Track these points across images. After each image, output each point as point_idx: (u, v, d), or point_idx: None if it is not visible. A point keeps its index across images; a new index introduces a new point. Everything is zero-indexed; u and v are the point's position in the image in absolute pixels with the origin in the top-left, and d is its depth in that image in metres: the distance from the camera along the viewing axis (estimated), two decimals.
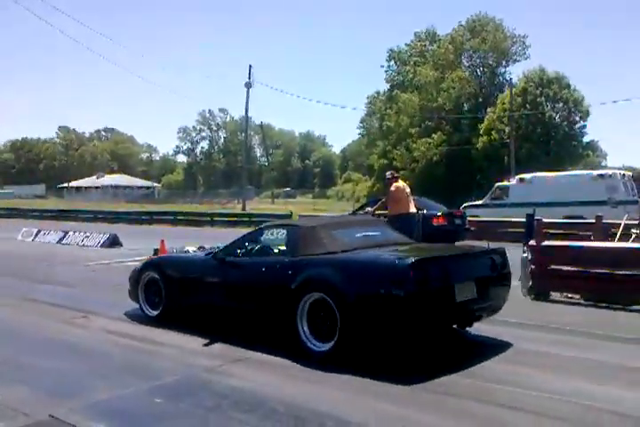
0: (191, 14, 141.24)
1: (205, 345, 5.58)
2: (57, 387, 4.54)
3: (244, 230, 19.77)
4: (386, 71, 53.90)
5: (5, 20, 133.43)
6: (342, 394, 4.29)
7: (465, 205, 20.97)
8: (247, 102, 40.69)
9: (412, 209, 10.66)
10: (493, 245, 6.46)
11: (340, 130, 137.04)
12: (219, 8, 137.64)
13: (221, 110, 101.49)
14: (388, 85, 53.82)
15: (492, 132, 39.83)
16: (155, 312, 6.71)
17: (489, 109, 41.97)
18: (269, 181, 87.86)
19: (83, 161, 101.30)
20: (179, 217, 28.06)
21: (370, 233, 6.34)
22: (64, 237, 17.23)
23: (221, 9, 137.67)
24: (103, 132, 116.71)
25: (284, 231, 6.13)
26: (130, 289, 7.06)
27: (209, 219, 27.25)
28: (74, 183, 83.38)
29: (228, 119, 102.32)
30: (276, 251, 5.97)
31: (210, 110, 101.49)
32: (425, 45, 49.87)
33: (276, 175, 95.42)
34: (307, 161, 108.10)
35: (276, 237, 6.13)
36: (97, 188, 77.48)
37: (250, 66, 39.90)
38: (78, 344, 5.77)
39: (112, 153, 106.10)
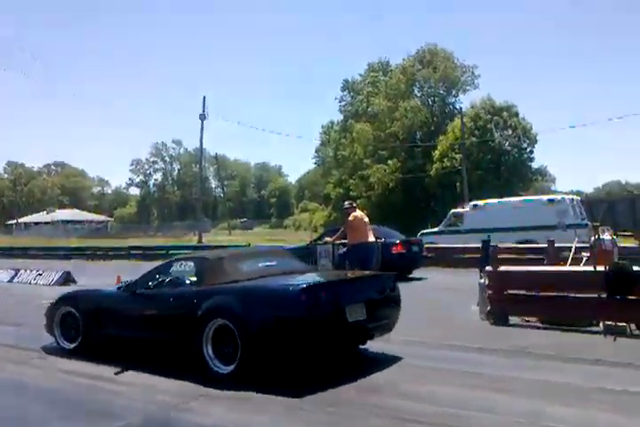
0: (143, 41, 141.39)
1: (163, 383, 5.49)
2: None
3: None
4: (340, 102, 55.09)
5: None
6: None
7: (422, 232, 21.28)
8: (202, 134, 40.55)
9: (371, 238, 10.81)
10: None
11: (295, 160, 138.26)
12: (171, 36, 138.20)
13: (175, 142, 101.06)
14: (342, 115, 54.91)
15: (445, 160, 40.80)
16: (72, 345, 6.94)
17: (441, 137, 43.07)
18: (225, 213, 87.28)
19: (32, 196, 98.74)
20: (133, 251, 27.50)
21: (272, 263, 6.78)
22: (15, 275, 16.70)
23: (173, 37, 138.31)
24: (53, 167, 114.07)
25: (192, 263, 6.55)
26: (46, 324, 7.24)
27: (164, 252, 26.68)
28: (23, 219, 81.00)
29: (181, 151, 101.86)
30: (184, 282, 6.31)
31: (163, 142, 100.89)
32: (377, 76, 51.13)
33: (232, 206, 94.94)
34: (262, 191, 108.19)
35: (184, 269, 6.52)
36: (47, 223, 75.29)
37: (204, 97, 39.97)
38: (38, 385, 5.65)
39: (63, 187, 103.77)
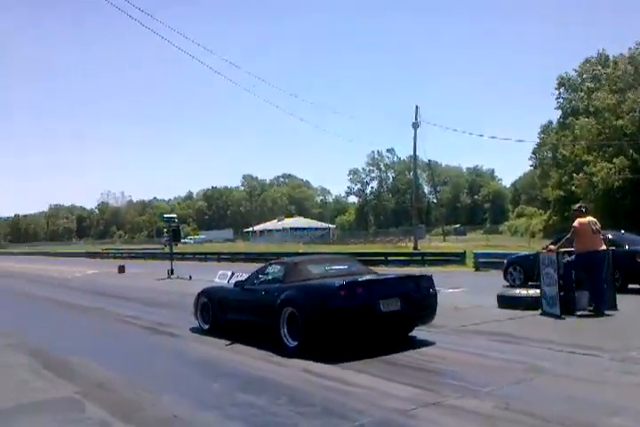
0: (355, 57, 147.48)
1: (395, 388, 5.72)
2: (266, 424, 4.89)
3: (417, 270, 19.91)
4: (556, 99, 51.96)
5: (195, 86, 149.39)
6: None
7: None
8: (415, 143, 41.13)
9: (602, 246, 10.04)
10: None
11: (509, 163, 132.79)
12: (381, 49, 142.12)
13: (389, 151, 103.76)
14: (559, 113, 51.81)
15: None
16: (206, 326, 9.31)
17: None
18: (439, 218, 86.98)
19: (264, 206, 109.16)
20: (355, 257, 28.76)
21: (338, 266, 8.58)
22: None
23: (385, 49, 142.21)
24: (281, 179, 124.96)
25: (279, 266, 8.64)
26: (193, 311, 9.66)
27: (383, 258, 27.51)
28: (257, 227, 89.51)
29: (395, 159, 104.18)
30: (275, 280, 8.33)
31: (378, 151, 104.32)
32: (598, 69, 47.22)
33: (445, 212, 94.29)
34: (476, 196, 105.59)
35: (275, 271, 8.59)
36: (278, 230, 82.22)
37: (416, 107, 40.50)
38: (280, 382, 6.18)
39: (290, 197, 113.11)
